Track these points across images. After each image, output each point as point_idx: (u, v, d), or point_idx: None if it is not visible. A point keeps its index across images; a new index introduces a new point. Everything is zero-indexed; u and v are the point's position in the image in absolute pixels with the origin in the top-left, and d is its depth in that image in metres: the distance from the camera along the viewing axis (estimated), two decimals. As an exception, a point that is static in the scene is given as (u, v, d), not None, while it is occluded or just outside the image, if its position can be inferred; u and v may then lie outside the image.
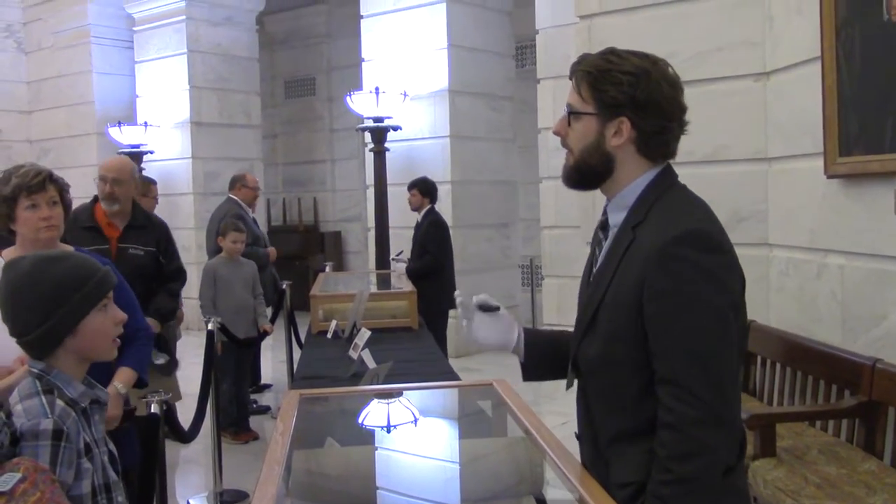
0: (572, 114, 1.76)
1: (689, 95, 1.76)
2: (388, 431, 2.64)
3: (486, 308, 1.98)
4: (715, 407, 1.59)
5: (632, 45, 1.79)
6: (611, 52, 1.74)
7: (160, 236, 4.33)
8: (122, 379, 2.82)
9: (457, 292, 1.99)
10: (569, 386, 1.90)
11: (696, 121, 1.80)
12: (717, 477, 1.61)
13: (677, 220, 1.66)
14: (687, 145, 1.80)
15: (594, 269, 1.83)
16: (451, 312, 6.93)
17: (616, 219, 1.78)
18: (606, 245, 1.80)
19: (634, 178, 1.75)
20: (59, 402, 1.73)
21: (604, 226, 1.83)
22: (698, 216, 1.69)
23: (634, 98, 1.68)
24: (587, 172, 1.77)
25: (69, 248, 2.84)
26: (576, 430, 1.92)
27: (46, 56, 11.57)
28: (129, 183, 4.18)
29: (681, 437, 1.58)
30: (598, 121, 1.72)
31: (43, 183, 2.73)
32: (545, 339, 2.07)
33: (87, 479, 1.75)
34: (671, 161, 1.78)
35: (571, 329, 1.95)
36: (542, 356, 2.00)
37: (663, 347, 1.62)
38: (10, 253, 2.73)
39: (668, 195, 1.73)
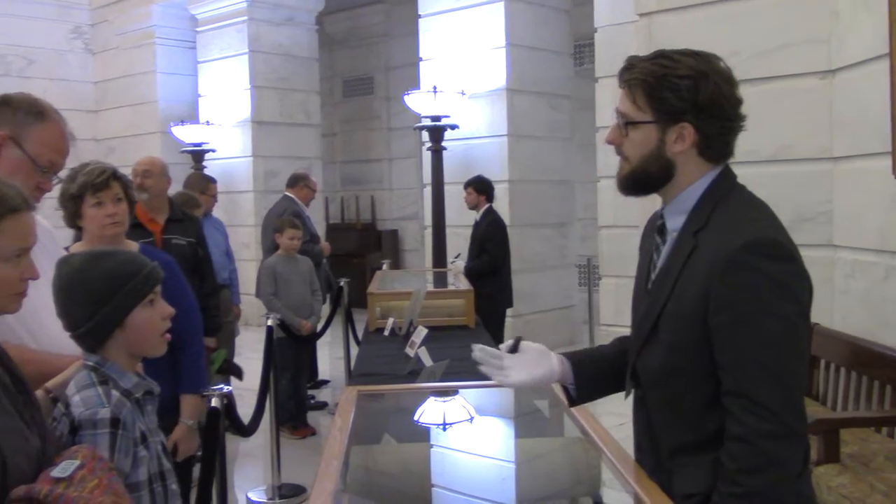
0: (630, 123, 1.70)
1: (752, 94, 1.72)
2: (444, 429, 2.65)
3: (511, 349, 1.89)
4: (787, 420, 1.55)
5: (692, 43, 1.74)
6: (661, 56, 1.68)
7: (198, 229, 4.66)
8: (189, 413, 2.92)
9: (475, 348, 1.92)
10: (627, 395, 1.87)
11: (759, 120, 1.76)
12: (787, 491, 1.57)
13: (743, 226, 1.61)
14: (750, 145, 1.76)
15: (652, 276, 1.78)
16: (509, 311, 6.93)
17: (675, 223, 1.73)
18: (665, 251, 1.75)
19: (694, 181, 1.70)
20: (115, 393, 1.77)
21: (661, 230, 1.78)
22: (765, 223, 1.63)
23: (696, 102, 1.63)
24: (645, 180, 1.73)
25: (134, 245, 2.91)
26: (632, 432, 1.89)
27: (112, 57, 11.84)
28: (159, 176, 4.52)
29: (752, 450, 1.54)
30: (658, 128, 1.67)
31: (107, 181, 2.80)
32: (591, 359, 1.99)
33: (144, 466, 1.79)
34: (730, 160, 1.73)
35: (625, 330, 1.92)
36: (594, 377, 1.93)
37: (732, 359, 1.58)
38: (77, 248, 2.80)
39: (729, 198, 1.68)
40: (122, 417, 1.74)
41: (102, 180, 2.79)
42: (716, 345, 1.59)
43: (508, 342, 1.91)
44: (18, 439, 1.47)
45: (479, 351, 1.91)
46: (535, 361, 1.88)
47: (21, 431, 1.49)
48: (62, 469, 1.49)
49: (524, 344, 1.91)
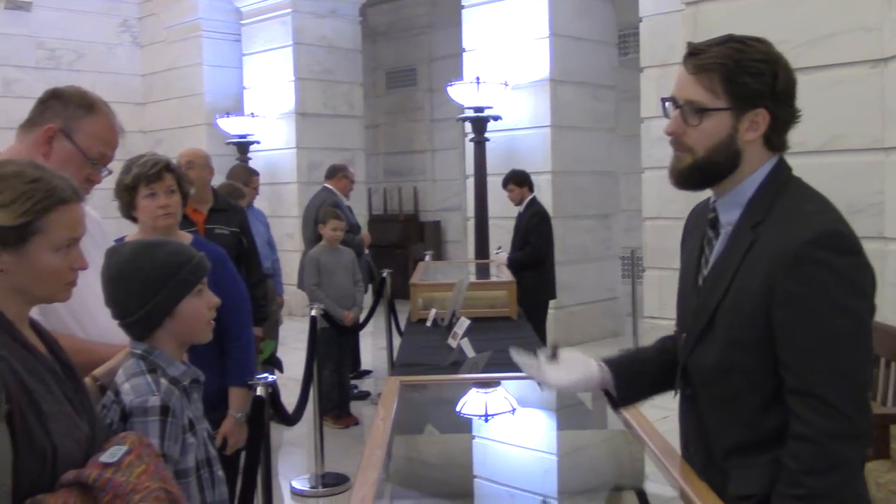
0: (703, 111, 1.61)
1: (801, 83, 1.66)
2: (486, 420, 2.65)
3: (550, 357, 1.85)
4: (855, 420, 1.50)
5: (739, 32, 1.71)
6: (732, 40, 1.62)
7: (241, 219, 4.70)
8: (237, 406, 2.94)
9: (513, 352, 1.90)
10: (676, 394, 1.82)
11: (809, 110, 1.71)
12: (851, 493, 1.54)
13: (808, 220, 1.55)
14: (799, 135, 1.71)
15: (704, 271, 1.72)
16: (552, 303, 6.90)
17: (729, 217, 1.67)
18: (720, 245, 1.69)
19: (750, 174, 1.64)
20: (163, 381, 1.80)
21: (713, 224, 1.72)
22: (829, 216, 1.58)
23: (774, 87, 1.58)
24: (711, 171, 1.65)
25: (187, 236, 2.95)
26: (676, 424, 1.86)
27: (159, 50, 11.99)
28: (202, 168, 4.63)
29: (818, 450, 1.49)
30: (732, 115, 1.60)
31: (160, 172, 2.84)
32: (631, 361, 1.93)
33: (192, 453, 1.82)
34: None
35: (669, 323, 1.89)
36: (634, 379, 1.89)
37: (797, 356, 1.53)
38: (131, 238, 2.85)
39: (788, 191, 1.63)
40: (172, 405, 1.76)
41: (155, 172, 2.84)
42: (779, 341, 1.54)
43: (546, 349, 1.87)
44: (68, 425, 1.50)
45: (517, 355, 1.89)
46: (574, 368, 1.86)
47: (71, 417, 1.52)
48: (110, 454, 1.51)
49: (563, 352, 1.87)
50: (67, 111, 2.12)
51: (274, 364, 5.56)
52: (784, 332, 1.53)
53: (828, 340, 1.51)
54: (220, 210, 4.59)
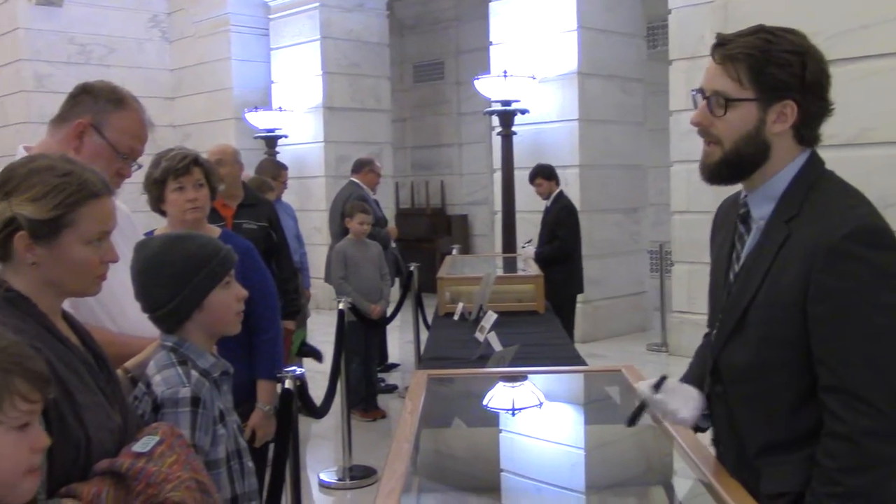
0: (729, 101, 1.59)
1: (833, 75, 1.65)
2: (513, 414, 2.65)
3: (655, 386, 1.79)
4: (892, 417, 1.48)
5: (771, 23, 1.69)
6: (762, 30, 1.60)
7: (270, 213, 4.72)
8: (265, 398, 2.96)
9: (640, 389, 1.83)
10: (706, 392, 1.79)
11: (840, 102, 1.68)
12: (888, 491, 1.51)
13: (843, 214, 1.53)
14: (830, 128, 1.68)
15: (735, 267, 1.70)
16: (579, 297, 6.88)
17: (762, 211, 1.66)
18: (752, 240, 1.67)
19: (783, 167, 1.62)
20: (194, 373, 1.81)
21: (745, 218, 1.70)
22: (865, 210, 1.56)
23: (803, 79, 1.56)
24: (739, 164, 1.63)
25: (215, 229, 2.97)
26: (712, 434, 1.84)
27: (188, 44, 12.07)
28: (232, 164, 4.63)
29: (854, 448, 1.47)
30: (759, 106, 1.58)
31: (189, 166, 2.86)
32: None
33: (222, 444, 1.83)
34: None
35: (697, 318, 1.88)
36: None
37: (832, 352, 1.51)
38: (160, 232, 2.88)
39: (822, 185, 1.61)
40: (202, 396, 1.78)
41: (184, 166, 2.86)
42: (814, 337, 1.52)
43: (651, 381, 1.81)
44: (101, 415, 1.52)
45: (642, 386, 1.82)
46: (689, 397, 1.79)
47: (104, 408, 1.54)
48: (142, 444, 1.53)
49: (670, 382, 1.81)
50: (97, 106, 2.14)
51: (310, 354, 5.59)
52: (819, 327, 1.51)
53: (864, 336, 1.49)
54: (249, 205, 4.61)
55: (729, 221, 1.78)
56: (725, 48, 1.61)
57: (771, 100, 1.58)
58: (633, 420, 1.83)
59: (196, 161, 2.89)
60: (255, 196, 4.81)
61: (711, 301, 1.80)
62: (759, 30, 1.61)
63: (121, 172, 2.18)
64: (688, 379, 1.88)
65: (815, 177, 1.62)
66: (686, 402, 1.77)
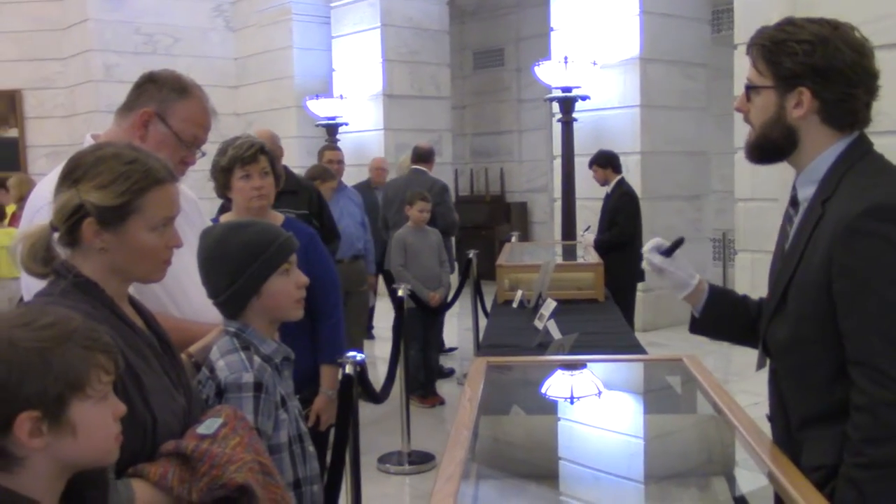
0: (751, 88, 1.73)
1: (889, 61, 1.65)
2: (572, 403, 2.64)
3: (668, 249, 1.98)
4: None
5: (839, 7, 1.70)
6: (788, 23, 1.70)
7: (311, 199, 4.70)
8: (329, 384, 2.99)
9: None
10: (759, 367, 1.86)
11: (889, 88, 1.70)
12: None
13: (865, 192, 1.59)
14: (874, 114, 1.71)
15: (786, 247, 1.78)
16: (640, 286, 6.81)
17: (805, 193, 1.73)
18: (797, 222, 1.75)
19: (822, 150, 1.70)
20: (256, 358, 1.84)
21: (794, 201, 1.78)
22: (886, 189, 1.60)
23: (812, 67, 1.64)
24: (768, 147, 1.74)
25: (278, 216, 3.01)
26: (767, 411, 1.87)
27: (251, 33, 12.21)
28: (274, 151, 4.54)
29: (874, 420, 1.53)
30: (777, 93, 1.69)
31: (255, 154, 2.90)
32: (729, 300, 2.02)
33: (284, 429, 1.86)
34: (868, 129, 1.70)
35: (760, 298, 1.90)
36: (721, 316, 1.98)
37: (853, 326, 1.57)
38: (226, 218, 2.93)
39: (859, 166, 1.66)
40: (265, 382, 1.81)
41: (251, 154, 2.90)
42: (839, 313, 1.58)
43: (659, 240, 1.99)
44: (167, 398, 1.55)
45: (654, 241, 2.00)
46: (682, 267, 1.96)
47: (169, 391, 1.57)
48: (207, 426, 1.56)
49: (679, 253, 1.97)
50: (162, 94, 2.17)
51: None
52: (841, 303, 1.58)
53: (880, 310, 1.54)
54: (290, 192, 4.50)
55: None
56: (752, 40, 1.75)
57: (785, 87, 1.68)
58: (669, 251, 1.97)
59: (262, 149, 2.93)
60: (298, 182, 4.77)
61: (769, 281, 1.86)
62: (786, 22, 1.71)
63: (185, 160, 2.21)
64: (744, 300, 2.02)
65: (855, 159, 1.67)
66: (677, 267, 1.95)
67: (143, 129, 2.15)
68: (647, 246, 1.98)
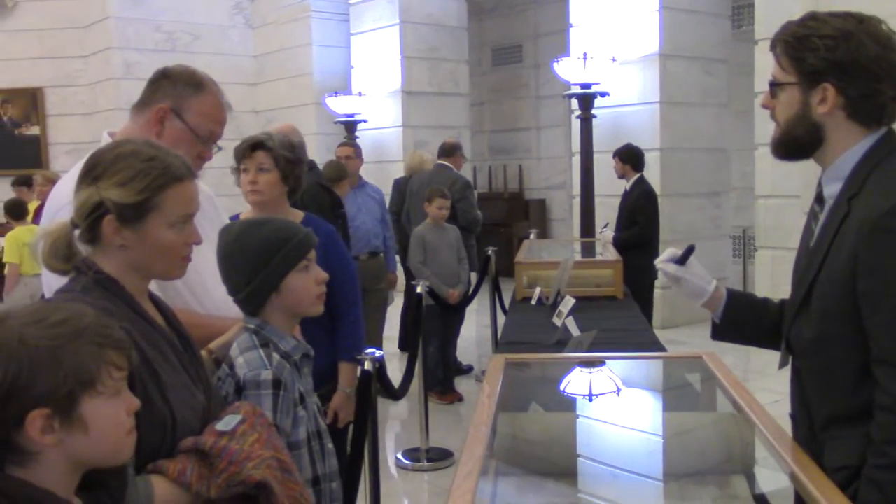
0: (775, 85, 1.71)
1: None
2: (590, 400, 2.64)
3: (681, 258, 1.96)
4: None
5: (862, 1, 1.68)
6: (811, 18, 1.67)
7: (318, 199, 4.62)
8: (347, 381, 2.98)
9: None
10: (781, 366, 1.84)
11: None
12: None
13: (892, 190, 1.57)
14: None
15: (811, 244, 1.75)
16: (657, 283, 6.78)
17: (831, 190, 1.71)
18: (822, 219, 1.72)
19: (849, 147, 1.67)
20: (275, 355, 1.84)
21: (819, 198, 1.76)
22: None
23: (836, 62, 1.61)
24: (793, 144, 1.72)
25: (298, 213, 3.02)
26: (789, 410, 1.85)
27: (271, 31, 12.25)
28: (294, 146, 4.59)
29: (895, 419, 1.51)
30: (801, 90, 1.67)
31: (249, 149, 2.93)
32: (748, 304, 2.01)
33: (303, 426, 1.86)
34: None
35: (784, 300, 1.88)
36: (742, 320, 1.96)
37: (878, 325, 1.55)
38: (244, 216, 2.94)
39: (886, 163, 1.63)
40: (283, 379, 1.81)
41: (243, 148, 2.93)
42: (864, 311, 1.57)
43: (673, 250, 1.97)
44: (186, 394, 1.56)
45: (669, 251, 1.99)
46: (697, 274, 1.94)
47: (188, 387, 1.58)
48: (225, 423, 1.57)
49: (694, 259, 1.96)
50: (177, 90, 2.18)
51: None
52: (865, 302, 1.56)
53: None
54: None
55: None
56: (776, 35, 1.72)
57: (809, 83, 1.66)
58: (682, 260, 1.95)
59: (260, 145, 2.92)
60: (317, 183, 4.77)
61: (793, 279, 1.84)
62: (809, 17, 1.68)
63: (202, 155, 2.21)
64: (764, 301, 2.01)
65: (882, 155, 1.65)
66: (692, 274, 1.94)
67: (160, 126, 2.15)
68: (662, 257, 1.97)
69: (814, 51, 1.63)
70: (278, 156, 2.94)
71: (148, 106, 2.18)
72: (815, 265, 1.68)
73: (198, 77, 2.22)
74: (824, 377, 1.68)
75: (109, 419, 1.24)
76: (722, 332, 1.98)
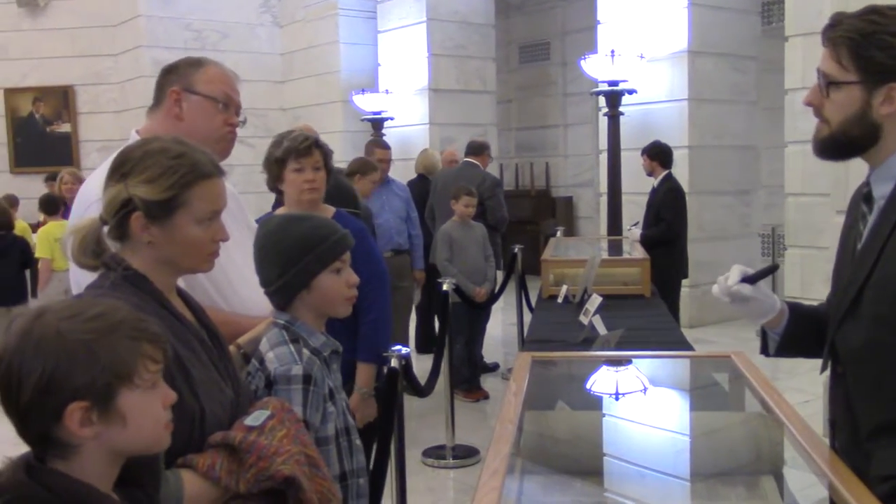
0: (832, 84, 1.60)
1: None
2: (617, 399, 2.63)
3: (751, 277, 1.85)
4: None
5: None
6: (873, 12, 1.58)
7: (339, 197, 4.59)
8: (363, 381, 2.99)
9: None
10: (823, 370, 1.77)
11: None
12: None
13: None
14: None
15: (858, 246, 1.68)
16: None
17: (882, 190, 1.63)
18: (872, 220, 1.65)
19: None
20: (305, 351, 1.85)
21: (867, 198, 1.68)
22: None
23: None
24: (846, 144, 1.63)
25: (329, 209, 3.03)
26: (817, 410, 1.82)
27: (298, 29, 12.29)
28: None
29: None
30: (864, 89, 1.57)
31: (309, 148, 2.93)
32: (808, 316, 1.90)
33: (332, 422, 1.87)
34: None
35: (812, 301, 1.84)
36: (801, 334, 1.86)
37: None
38: (281, 212, 2.95)
39: None
40: (314, 374, 1.82)
41: (305, 147, 2.93)
42: None
43: (741, 268, 1.86)
44: (215, 390, 1.57)
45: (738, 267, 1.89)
46: (762, 291, 1.84)
47: (217, 383, 1.59)
48: (254, 418, 1.58)
49: (762, 284, 1.85)
50: (180, 73, 2.21)
51: None
52: None
53: None
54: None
55: (857, 202, 1.75)
56: (832, 30, 1.61)
57: (875, 83, 1.57)
58: (755, 279, 1.84)
59: (317, 143, 2.96)
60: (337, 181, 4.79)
61: (833, 281, 1.79)
62: (871, 10, 1.58)
63: (229, 122, 2.22)
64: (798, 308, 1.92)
65: None
66: (757, 291, 1.81)
67: (178, 108, 2.17)
68: (733, 276, 1.84)
69: (884, 49, 1.54)
70: (328, 154, 3.00)
71: (161, 103, 2.21)
72: (865, 268, 1.61)
73: (195, 56, 2.29)
74: (875, 383, 1.61)
75: (147, 412, 1.25)
76: (783, 347, 1.88)
